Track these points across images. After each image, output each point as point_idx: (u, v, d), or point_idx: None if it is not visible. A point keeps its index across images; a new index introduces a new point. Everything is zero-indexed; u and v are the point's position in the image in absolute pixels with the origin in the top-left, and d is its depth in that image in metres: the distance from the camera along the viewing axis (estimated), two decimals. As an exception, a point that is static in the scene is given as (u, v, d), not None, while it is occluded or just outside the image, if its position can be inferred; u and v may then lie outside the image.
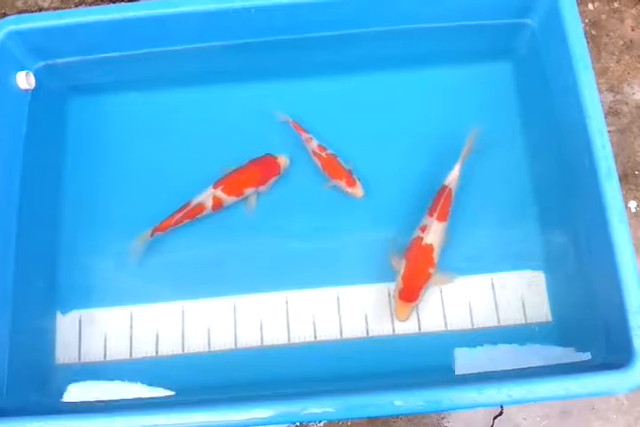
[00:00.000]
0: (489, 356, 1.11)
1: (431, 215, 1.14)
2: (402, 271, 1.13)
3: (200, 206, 1.20)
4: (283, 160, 1.24)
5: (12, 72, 1.20)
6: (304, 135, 1.25)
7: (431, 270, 1.13)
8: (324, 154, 1.23)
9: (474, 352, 1.12)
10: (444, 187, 1.16)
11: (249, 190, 1.23)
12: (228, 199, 1.21)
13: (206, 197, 1.20)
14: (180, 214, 1.20)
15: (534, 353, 1.10)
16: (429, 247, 1.13)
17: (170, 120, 1.33)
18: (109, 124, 1.33)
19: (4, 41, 1.16)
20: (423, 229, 1.14)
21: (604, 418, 1.17)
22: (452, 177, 1.17)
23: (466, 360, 1.11)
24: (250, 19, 1.19)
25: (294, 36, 1.25)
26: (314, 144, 1.24)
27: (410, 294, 1.12)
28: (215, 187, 1.21)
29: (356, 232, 1.22)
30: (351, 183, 1.21)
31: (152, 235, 1.20)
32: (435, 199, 1.16)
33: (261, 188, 1.23)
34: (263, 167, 1.23)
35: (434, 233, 1.13)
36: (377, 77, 1.32)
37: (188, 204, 1.20)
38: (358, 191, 1.21)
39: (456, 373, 1.10)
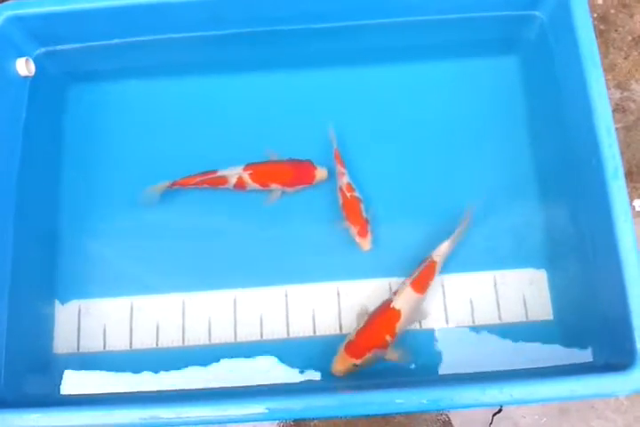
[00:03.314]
0: (489, 353, 1.11)
1: (408, 283, 1.11)
2: (360, 326, 1.09)
3: (223, 179, 1.20)
4: (320, 173, 1.21)
5: (11, 58, 1.19)
6: (339, 168, 1.21)
7: (388, 339, 1.07)
8: (349, 194, 1.18)
9: (474, 349, 1.12)
10: (431, 260, 1.12)
11: (275, 186, 1.21)
12: (251, 185, 1.20)
13: (233, 174, 1.20)
14: (203, 178, 1.20)
15: (535, 352, 1.10)
16: (396, 313, 1.08)
17: (170, 108, 1.31)
18: (109, 112, 1.31)
19: (4, 26, 1.15)
20: (396, 293, 1.10)
21: (603, 417, 1.17)
22: (442, 252, 1.13)
23: (466, 357, 1.11)
24: (252, 7, 1.18)
25: (300, 26, 1.24)
26: (344, 181, 1.19)
27: (357, 350, 1.06)
28: (245, 169, 1.20)
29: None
30: (363, 234, 1.16)
31: (170, 186, 1.20)
32: (417, 268, 1.12)
33: (288, 189, 1.22)
34: (299, 172, 1.20)
35: (404, 300, 1.09)
36: (384, 70, 1.31)
37: (214, 171, 1.20)
38: (366, 244, 1.16)
39: (456, 370, 1.10)
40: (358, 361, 1.05)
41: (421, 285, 1.11)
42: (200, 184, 1.20)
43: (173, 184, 1.20)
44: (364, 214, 1.18)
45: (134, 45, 1.26)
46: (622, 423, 1.16)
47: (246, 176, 1.19)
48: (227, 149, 1.26)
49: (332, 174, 1.22)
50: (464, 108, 1.28)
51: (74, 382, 1.13)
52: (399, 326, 1.08)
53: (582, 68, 1.06)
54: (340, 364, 1.06)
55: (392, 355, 1.08)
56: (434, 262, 1.12)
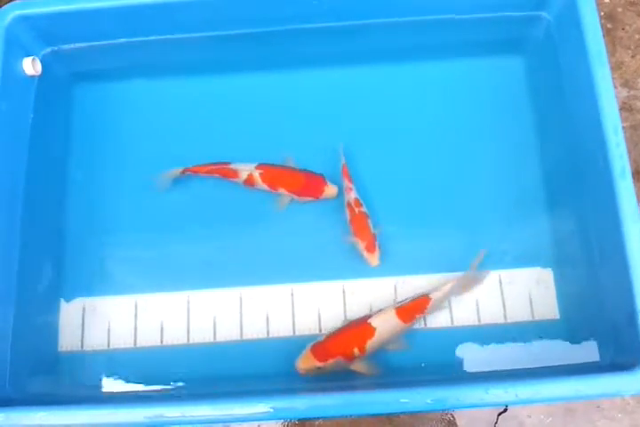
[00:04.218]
0: (495, 353, 1.11)
1: (393, 307, 1.09)
2: (334, 331, 1.09)
3: (234, 173, 1.21)
4: (329, 189, 1.20)
5: (18, 58, 1.18)
6: (346, 183, 1.20)
7: (356, 352, 1.06)
8: (356, 210, 1.17)
9: (480, 349, 1.12)
10: (426, 296, 1.10)
11: (283, 191, 1.21)
12: (260, 185, 1.21)
13: (245, 169, 1.20)
14: (214, 167, 1.21)
15: (541, 351, 1.10)
16: (371, 330, 1.07)
17: (176, 108, 1.31)
18: (116, 111, 1.32)
19: (11, 26, 1.15)
20: (379, 311, 1.10)
21: (609, 417, 1.16)
22: (440, 292, 1.11)
23: (472, 357, 1.11)
24: (258, 7, 1.18)
25: (299, 26, 1.24)
26: (351, 196, 1.18)
27: (321, 353, 1.06)
28: (257, 168, 1.20)
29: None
30: (371, 249, 1.15)
31: (182, 172, 1.22)
32: (411, 300, 1.11)
33: (295, 198, 1.21)
34: (308, 184, 1.20)
35: (382, 321, 1.07)
36: (390, 70, 1.31)
37: (227, 162, 1.21)
38: (374, 260, 1.15)
39: (462, 369, 1.10)
40: (321, 364, 1.05)
41: (406, 314, 1.09)
42: (212, 172, 1.21)
43: (185, 171, 1.22)
44: (371, 230, 1.17)
45: (142, 45, 1.26)
46: (628, 423, 1.16)
47: (257, 175, 1.20)
48: (233, 150, 1.25)
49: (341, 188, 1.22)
50: (469, 110, 1.27)
51: (79, 381, 1.14)
52: (370, 343, 1.06)
53: (589, 66, 1.06)
54: (304, 363, 1.06)
55: (358, 367, 1.08)
56: (428, 299, 1.10)
